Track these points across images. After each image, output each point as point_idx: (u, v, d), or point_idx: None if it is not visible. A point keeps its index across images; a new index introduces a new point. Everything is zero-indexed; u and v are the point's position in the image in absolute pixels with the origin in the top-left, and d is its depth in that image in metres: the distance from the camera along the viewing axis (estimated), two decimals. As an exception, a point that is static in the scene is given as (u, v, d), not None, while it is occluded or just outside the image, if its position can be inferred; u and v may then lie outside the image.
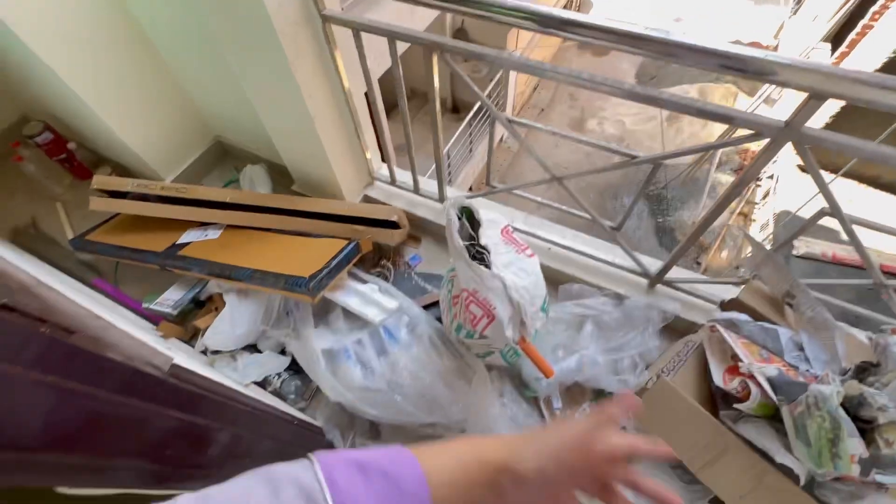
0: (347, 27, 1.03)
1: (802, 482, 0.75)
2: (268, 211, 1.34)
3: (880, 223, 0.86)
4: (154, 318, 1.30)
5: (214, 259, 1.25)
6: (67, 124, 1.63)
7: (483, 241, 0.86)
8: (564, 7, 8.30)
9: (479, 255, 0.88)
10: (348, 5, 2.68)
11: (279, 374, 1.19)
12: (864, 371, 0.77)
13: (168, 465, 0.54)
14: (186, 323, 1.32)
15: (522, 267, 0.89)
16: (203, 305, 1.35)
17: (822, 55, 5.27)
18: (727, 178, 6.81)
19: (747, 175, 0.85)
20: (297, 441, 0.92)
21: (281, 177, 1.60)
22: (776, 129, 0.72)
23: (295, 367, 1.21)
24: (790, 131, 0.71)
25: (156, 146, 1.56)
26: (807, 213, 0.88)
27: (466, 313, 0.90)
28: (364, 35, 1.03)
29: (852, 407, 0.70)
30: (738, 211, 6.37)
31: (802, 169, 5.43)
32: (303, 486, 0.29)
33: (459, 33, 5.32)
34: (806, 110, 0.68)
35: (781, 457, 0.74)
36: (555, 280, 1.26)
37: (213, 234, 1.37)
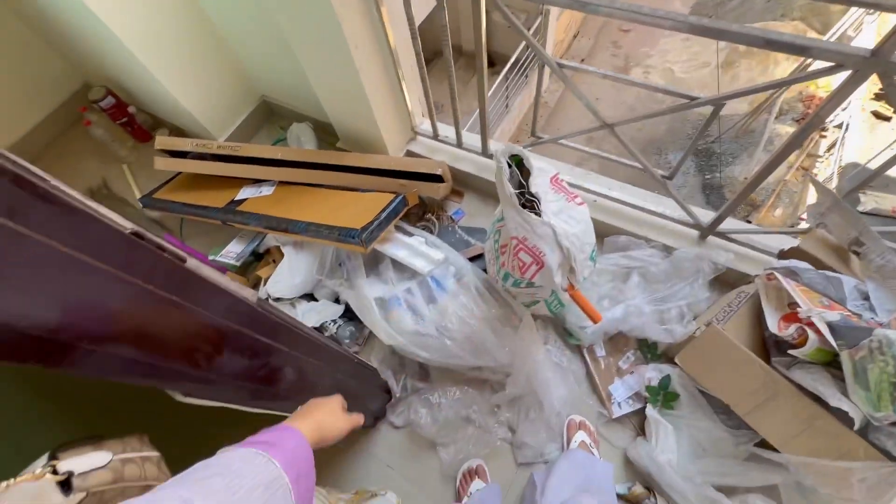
0: (392, -27, 1.01)
1: (857, 426, 0.75)
2: (317, 167, 1.39)
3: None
4: (219, 270, 1.41)
5: (271, 213, 1.32)
6: (127, 89, 1.71)
7: (533, 189, 0.87)
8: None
9: (528, 203, 0.89)
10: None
11: (335, 321, 1.28)
12: (935, 319, 0.74)
13: (262, 384, 0.61)
14: (248, 273, 1.42)
15: (572, 215, 0.89)
16: (262, 258, 1.45)
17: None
18: (787, 130, 6.26)
19: (821, 113, 0.79)
20: (357, 376, 1.00)
21: (326, 134, 1.63)
22: (860, 58, 0.66)
23: (349, 315, 1.29)
24: (877, 61, 0.65)
25: (208, 107, 1.63)
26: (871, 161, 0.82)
27: (515, 260, 0.92)
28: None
29: (919, 353, 0.68)
30: (797, 165, 5.89)
31: (877, 116, 4.92)
32: (239, 455, 0.40)
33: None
34: (897, 36, 0.62)
35: (837, 401, 0.74)
36: (601, 232, 1.25)
37: (266, 190, 1.44)
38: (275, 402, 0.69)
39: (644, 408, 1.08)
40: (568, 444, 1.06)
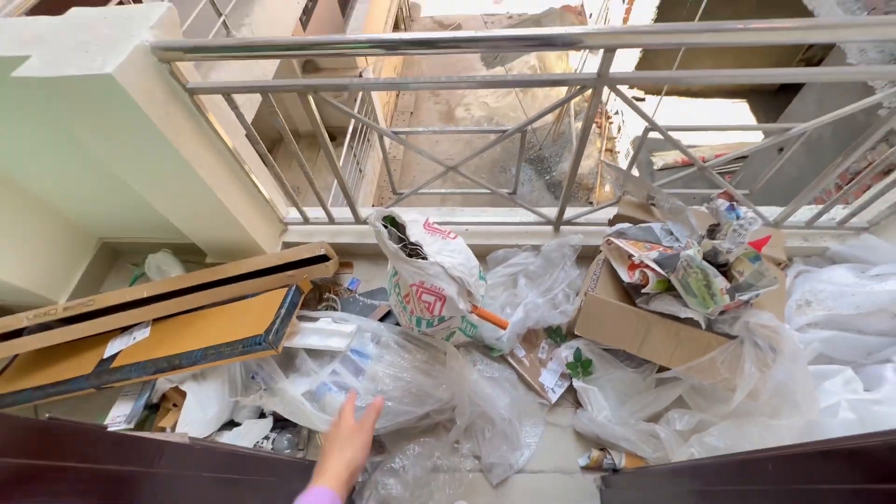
0: (217, 94, 1.07)
1: (704, 326, 1.00)
2: (193, 290, 1.32)
3: (687, 125, 1.16)
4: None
5: (155, 356, 1.21)
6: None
7: (413, 239, 0.98)
8: (396, 17, 8.67)
9: (413, 252, 1.00)
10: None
11: (267, 437, 1.19)
12: (712, 232, 1.03)
13: (220, 523, 0.58)
14: (147, 430, 1.24)
15: (452, 249, 1.02)
16: (158, 408, 1.28)
17: (617, 5, 6.25)
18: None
19: (587, 120, 1.07)
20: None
21: (190, 254, 1.55)
22: (593, 79, 0.94)
23: (280, 424, 1.22)
24: (602, 79, 0.93)
25: (34, 271, 1.42)
26: (652, 134, 1.13)
27: (420, 304, 1.01)
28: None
29: (712, 259, 0.95)
30: (604, 148, 7.27)
31: (637, 99, 6.38)
32: None
33: (308, 65, 5.33)
34: (606, 60, 0.90)
35: (684, 313, 0.97)
36: (481, 253, 1.42)
37: (141, 334, 1.30)
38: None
39: (571, 383, 1.23)
40: None
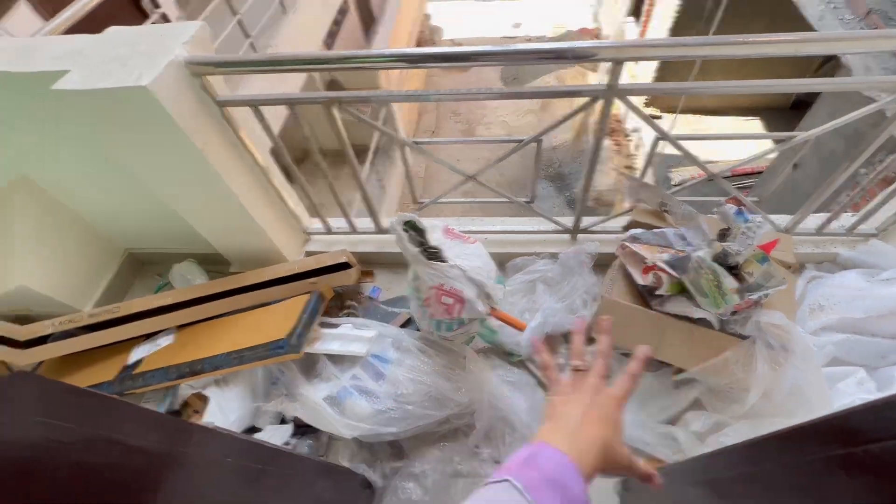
0: (246, 106, 1.13)
1: (717, 326, 1.01)
2: (217, 297, 1.36)
3: (696, 134, 1.20)
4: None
5: (178, 361, 1.24)
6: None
7: (433, 243, 1.02)
8: (418, 39, 8.96)
9: (432, 256, 1.04)
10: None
11: (287, 443, 1.21)
12: (723, 236, 1.06)
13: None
14: (170, 436, 1.27)
15: (470, 253, 1.06)
16: (180, 415, 1.31)
17: (632, 28, 6.41)
18: (605, 143, 7.82)
19: (598, 131, 1.12)
20: (334, 480, 0.97)
21: (214, 264, 1.60)
22: (602, 90, 0.98)
23: (300, 431, 1.24)
24: (612, 90, 0.98)
25: (62, 281, 1.47)
26: (667, 150, 1.17)
27: (440, 306, 1.04)
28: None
29: (722, 261, 0.97)
30: (623, 166, 7.34)
31: (654, 116, 6.48)
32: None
33: (333, 86, 5.51)
34: (615, 73, 0.95)
35: (697, 314, 0.99)
36: (500, 261, 1.45)
37: (165, 340, 1.34)
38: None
39: (588, 388, 1.24)
40: None
